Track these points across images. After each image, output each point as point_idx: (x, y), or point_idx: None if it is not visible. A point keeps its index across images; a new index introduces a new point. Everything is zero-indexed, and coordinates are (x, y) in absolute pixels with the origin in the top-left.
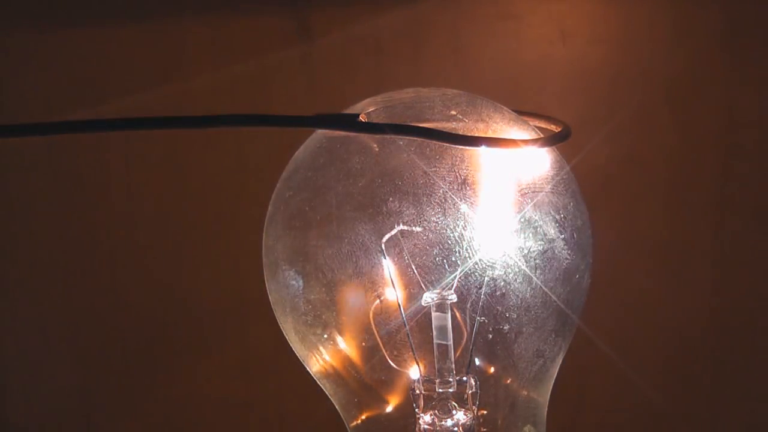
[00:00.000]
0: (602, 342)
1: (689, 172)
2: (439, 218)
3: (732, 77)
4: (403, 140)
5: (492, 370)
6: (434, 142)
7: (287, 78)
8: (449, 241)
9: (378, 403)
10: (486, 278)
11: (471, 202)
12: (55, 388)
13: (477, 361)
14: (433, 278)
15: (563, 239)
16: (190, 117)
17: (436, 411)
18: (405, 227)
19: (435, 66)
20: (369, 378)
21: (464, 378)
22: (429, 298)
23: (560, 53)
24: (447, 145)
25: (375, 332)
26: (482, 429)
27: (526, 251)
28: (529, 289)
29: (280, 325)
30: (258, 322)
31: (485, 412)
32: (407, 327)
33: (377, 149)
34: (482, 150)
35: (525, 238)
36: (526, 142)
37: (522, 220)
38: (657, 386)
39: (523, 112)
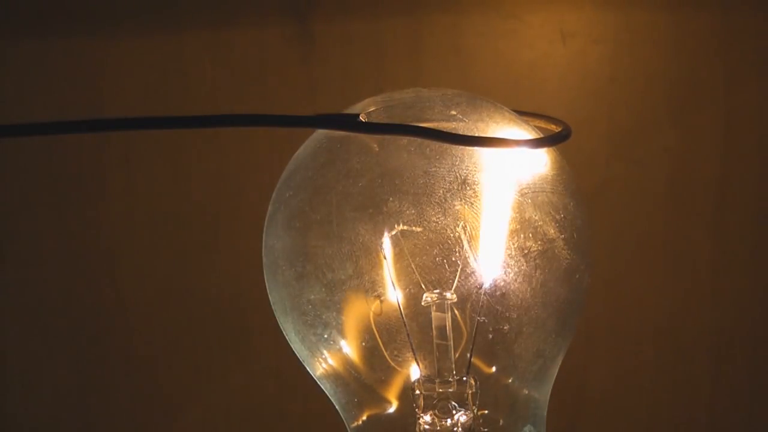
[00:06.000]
0: (602, 342)
1: (689, 172)
2: (439, 218)
3: (731, 77)
4: (403, 140)
5: (492, 370)
6: (434, 142)
7: (287, 78)
8: (449, 241)
9: (378, 403)
10: (486, 278)
11: (471, 202)
12: (55, 388)
13: (477, 361)
14: (433, 278)
15: (563, 239)
16: (190, 117)
17: (436, 411)
18: (405, 227)
19: (435, 66)
20: (369, 378)
21: (464, 378)
22: (429, 298)
23: (560, 53)
24: (447, 145)
25: (375, 332)
26: (482, 429)
27: (526, 251)
28: (529, 289)
29: (280, 325)
30: (258, 323)
31: (485, 412)
32: (407, 327)
33: (377, 149)
34: (482, 150)
35: (525, 238)
36: (525, 142)
37: (522, 220)
38: (656, 386)
39: (523, 112)
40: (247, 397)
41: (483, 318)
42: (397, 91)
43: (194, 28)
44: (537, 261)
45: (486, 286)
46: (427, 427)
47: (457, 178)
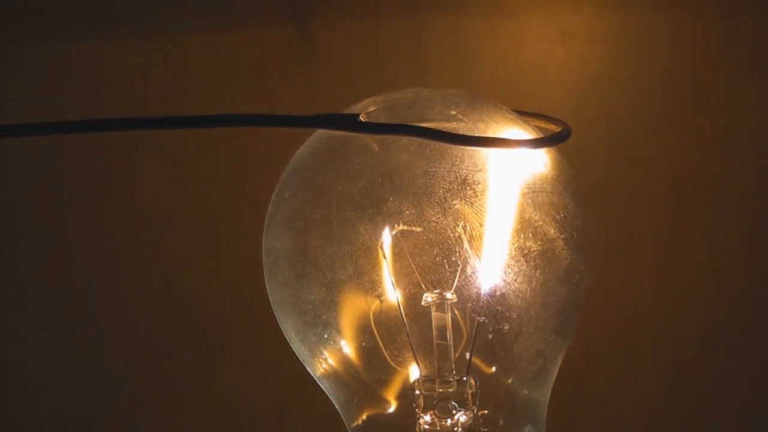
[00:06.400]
0: (602, 342)
1: (689, 172)
2: (439, 218)
3: (731, 77)
4: (403, 140)
5: (492, 370)
6: (434, 142)
7: (287, 78)
8: (449, 241)
9: (378, 403)
10: (486, 278)
11: (471, 202)
12: (55, 388)
13: (477, 361)
14: (433, 278)
15: (563, 239)
16: (190, 117)
17: (436, 411)
18: (405, 227)
19: (435, 66)
20: (369, 378)
21: (464, 378)
22: (429, 298)
23: (560, 53)
24: (447, 145)
25: (375, 332)
26: (482, 429)
27: (526, 251)
28: (529, 289)
29: (280, 325)
30: (258, 323)
31: (485, 412)
32: (407, 327)
33: (377, 149)
34: (482, 150)
35: (525, 238)
36: (526, 142)
37: (522, 220)
38: (657, 387)
39: (523, 112)
40: (247, 397)
41: (483, 318)
42: (397, 91)
43: (195, 29)
44: (537, 261)
45: (486, 286)
46: (427, 427)
47: (457, 178)
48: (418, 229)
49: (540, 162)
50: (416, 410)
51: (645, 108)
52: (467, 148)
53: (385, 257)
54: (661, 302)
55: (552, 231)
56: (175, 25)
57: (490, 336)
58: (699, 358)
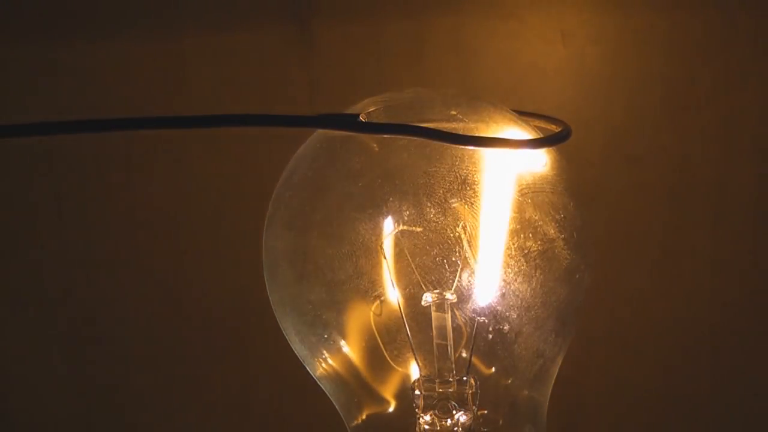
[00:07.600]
0: (602, 342)
1: (688, 172)
2: (439, 218)
3: (730, 77)
4: (403, 140)
5: (492, 370)
6: (434, 142)
7: (287, 78)
8: (449, 241)
9: (378, 403)
10: (486, 278)
11: (471, 202)
12: (55, 388)
13: (477, 361)
14: (433, 278)
15: (563, 239)
16: (190, 117)
17: (436, 411)
18: (405, 227)
19: (435, 66)
20: (369, 378)
21: (464, 378)
22: (429, 298)
23: (560, 54)
24: (447, 145)
25: (375, 332)
26: (482, 429)
27: (526, 251)
28: (529, 289)
29: (280, 325)
30: (258, 323)
31: (485, 412)
32: (407, 327)
33: (377, 149)
34: (482, 150)
35: (525, 238)
36: (525, 142)
37: (522, 220)
38: (657, 386)
39: (523, 112)
40: (247, 397)
41: (483, 318)
42: (397, 91)
43: (195, 29)
44: (537, 261)
45: (486, 286)
46: (427, 427)
47: (457, 178)
48: (418, 229)
49: (540, 162)
50: (416, 410)
51: (644, 108)
52: (467, 148)
53: (385, 257)
54: (660, 302)
55: (552, 231)
56: (175, 24)
57: (490, 336)
58: (698, 358)
